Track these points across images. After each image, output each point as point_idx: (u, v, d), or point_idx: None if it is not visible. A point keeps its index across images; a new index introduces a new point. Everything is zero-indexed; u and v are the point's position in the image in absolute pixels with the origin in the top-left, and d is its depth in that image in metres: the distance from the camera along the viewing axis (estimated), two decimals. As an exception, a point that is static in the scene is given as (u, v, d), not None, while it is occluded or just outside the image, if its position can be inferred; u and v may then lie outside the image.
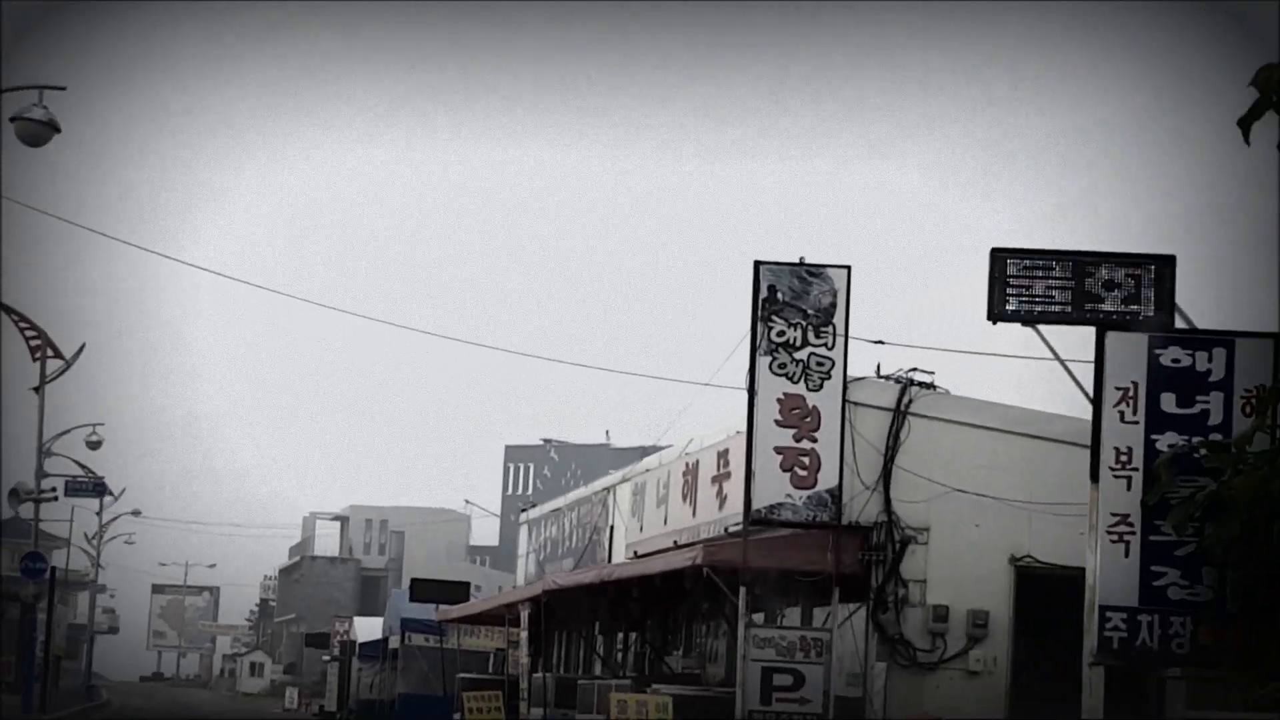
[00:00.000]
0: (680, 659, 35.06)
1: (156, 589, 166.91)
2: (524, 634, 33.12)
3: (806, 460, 25.00)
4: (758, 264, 25.15)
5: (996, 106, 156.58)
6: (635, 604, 33.39)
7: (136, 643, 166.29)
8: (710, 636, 33.67)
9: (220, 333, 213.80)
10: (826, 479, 24.98)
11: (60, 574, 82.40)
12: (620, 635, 38.96)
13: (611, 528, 38.59)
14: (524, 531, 50.44)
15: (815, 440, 24.99)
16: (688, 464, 31.97)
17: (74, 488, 43.85)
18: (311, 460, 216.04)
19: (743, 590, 25.31)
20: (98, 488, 43.47)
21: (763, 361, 25.02)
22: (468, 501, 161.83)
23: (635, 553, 34.70)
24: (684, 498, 32.03)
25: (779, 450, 25.05)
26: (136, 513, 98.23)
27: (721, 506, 29.43)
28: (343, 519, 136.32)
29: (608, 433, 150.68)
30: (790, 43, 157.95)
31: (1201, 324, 20.91)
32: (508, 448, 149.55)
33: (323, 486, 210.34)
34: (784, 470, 25.02)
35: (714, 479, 30.18)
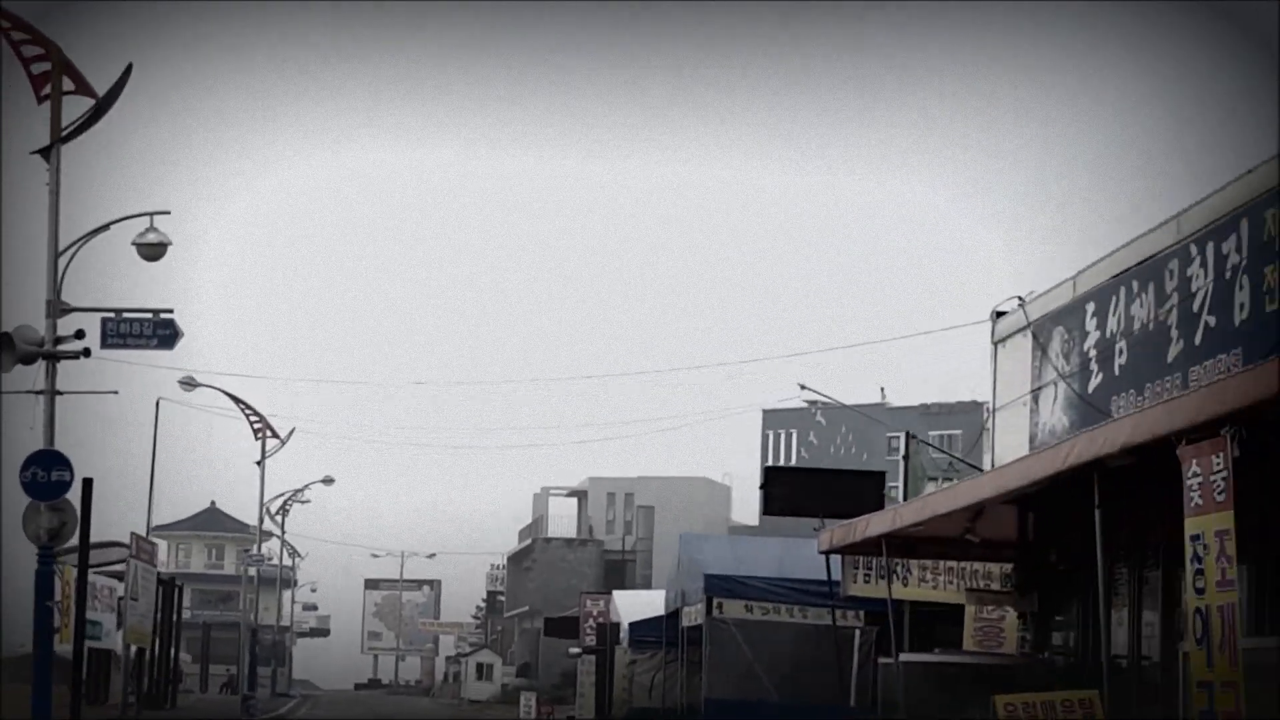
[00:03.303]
0: None
1: (370, 584, 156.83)
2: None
3: None
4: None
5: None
6: None
7: (351, 646, 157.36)
8: None
9: (435, 293, 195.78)
10: None
11: (253, 559, 67.03)
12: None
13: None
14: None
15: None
16: None
17: (114, 333, 24.33)
18: (543, 428, 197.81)
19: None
20: (160, 330, 23.66)
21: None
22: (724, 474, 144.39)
23: None
24: None
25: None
26: (329, 480, 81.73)
27: None
28: (580, 494, 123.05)
29: (883, 390, 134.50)
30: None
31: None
32: (765, 412, 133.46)
33: (556, 457, 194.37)
34: None
35: None
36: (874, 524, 20.45)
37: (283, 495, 76.43)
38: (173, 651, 53.43)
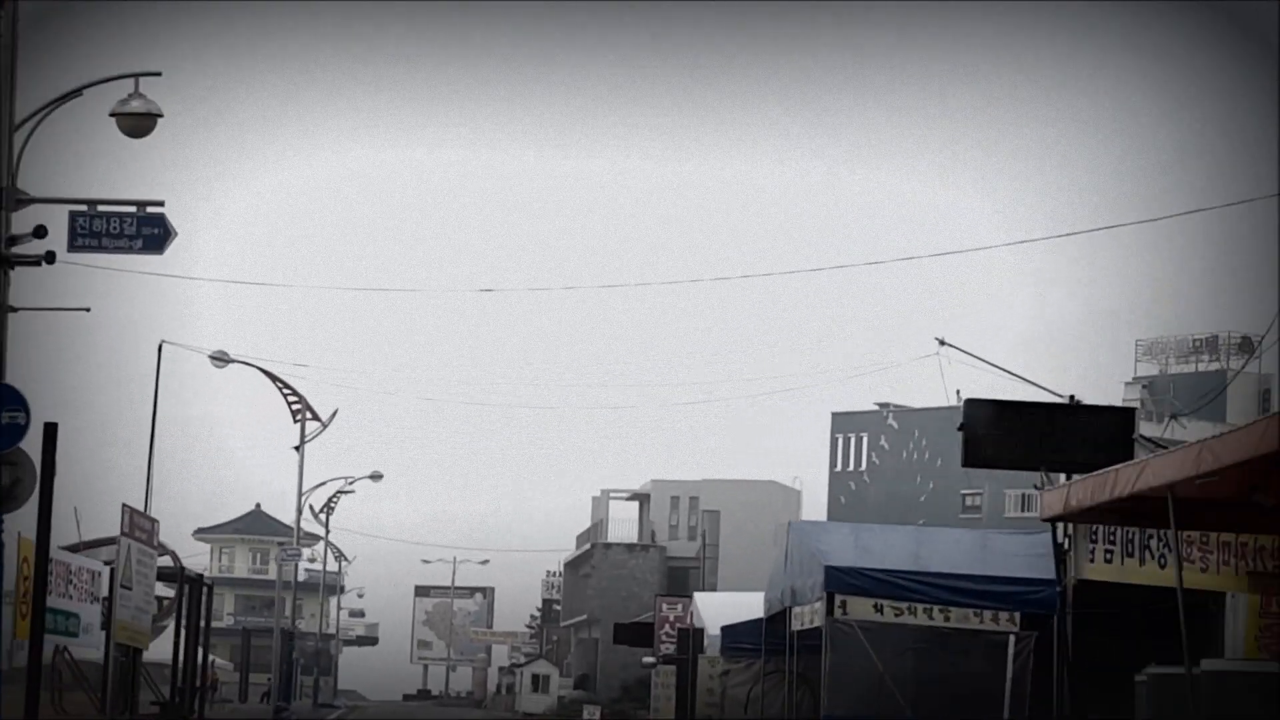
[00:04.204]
0: None
1: (420, 591, 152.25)
2: None
3: None
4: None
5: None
6: None
7: (400, 655, 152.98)
8: None
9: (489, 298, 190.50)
10: None
11: (290, 554, 62.48)
12: None
13: None
14: None
15: None
16: None
17: (85, 231, 18.14)
18: (602, 429, 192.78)
19: None
20: (146, 229, 17.34)
21: None
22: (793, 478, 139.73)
23: None
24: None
25: None
26: (377, 476, 76.46)
27: None
28: (642, 497, 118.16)
29: (958, 393, 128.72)
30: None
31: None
32: (834, 415, 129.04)
33: (616, 459, 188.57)
34: None
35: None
36: (1149, 474, 14.31)
37: (323, 484, 70.71)
38: (202, 657, 48.17)
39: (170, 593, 48.92)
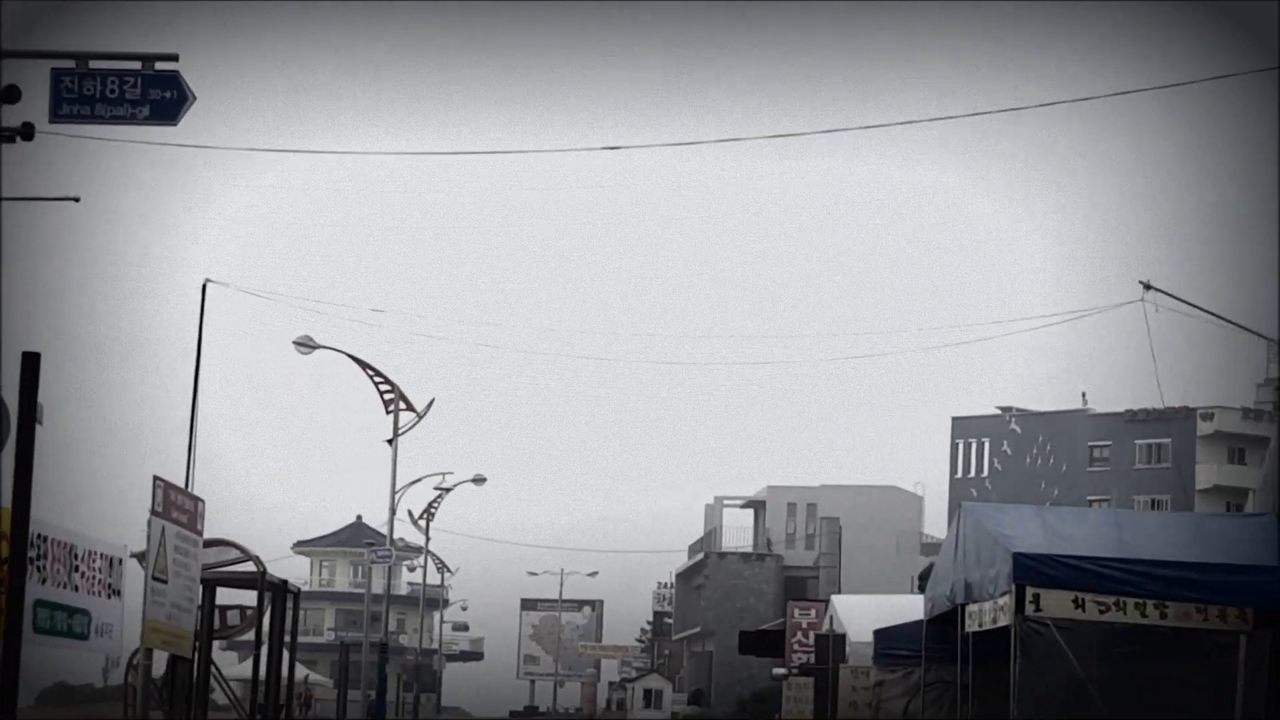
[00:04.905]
0: None
1: (526, 604, 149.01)
2: None
3: None
4: None
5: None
6: None
7: (506, 670, 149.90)
8: None
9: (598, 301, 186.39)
10: None
11: (381, 555, 58.78)
12: None
13: None
14: None
15: None
16: None
17: (73, 95, 13.08)
18: (716, 433, 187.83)
19: None
20: (154, 91, 12.26)
21: None
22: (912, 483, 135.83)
23: None
24: None
25: None
26: (480, 479, 72.36)
27: None
28: (757, 504, 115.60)
29: (1084, 395, 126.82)
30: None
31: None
32: (954, 420, 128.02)
33: (730, 465, 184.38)
34: None
35: None
36: None
37: (418, 480, 66.14)
38: (288, 672, 43.82)
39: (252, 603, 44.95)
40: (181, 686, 26.79)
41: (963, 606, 26.17)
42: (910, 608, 36.46)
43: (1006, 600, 23.26)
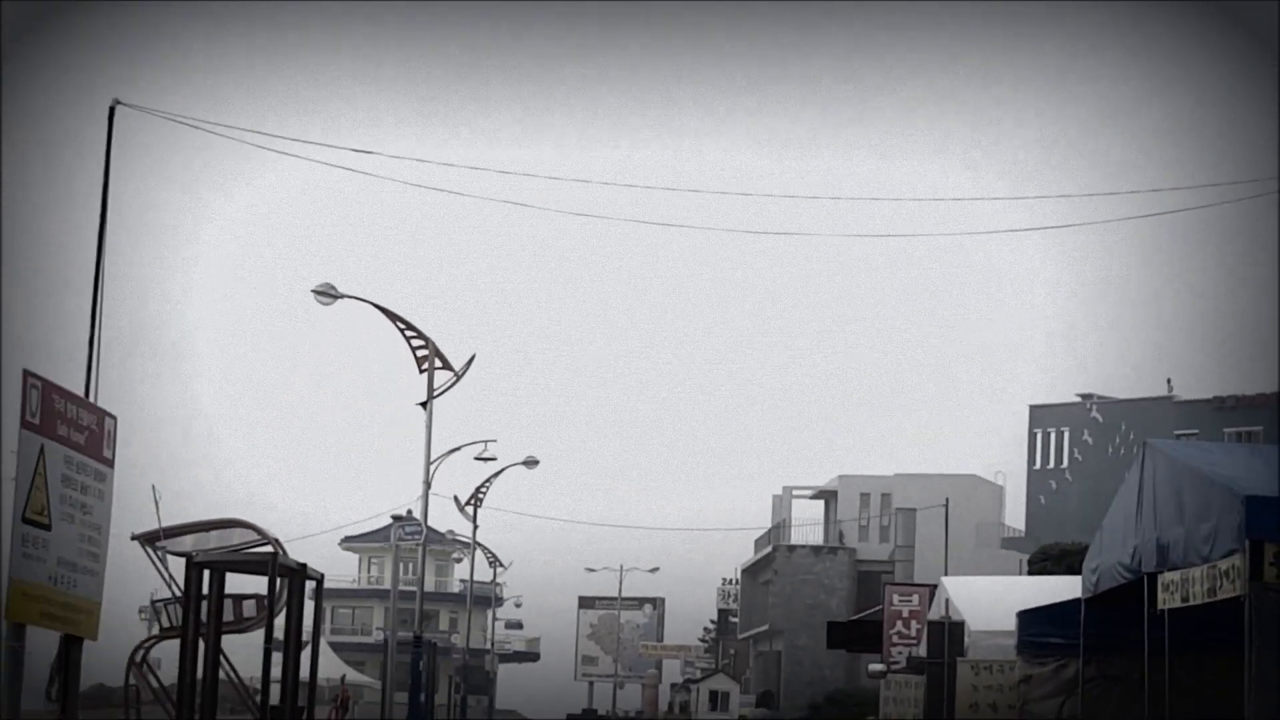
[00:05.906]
0: None
1: (584, 603, 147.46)
2: None
3: None
4: None
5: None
6: None
7: (564, 672, 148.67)
8: None
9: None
10: None
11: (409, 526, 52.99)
12: None
13: None
14: None
15: None
16: None
17: None
18: (784, 421, 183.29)
19: None
20: None
21: None
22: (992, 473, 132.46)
23: None
24: None
25: None
26: (532, 462, 67.83)
27: None
28: (828, 494, 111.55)
29: (1169, 382, 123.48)
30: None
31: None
32: (1032, 408, 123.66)
33: (798, 453, 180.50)
34: None
35: None
36: None
37: (457, 449, 60.54)
38: (310, 669, 38.69)
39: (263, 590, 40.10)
40: (74, 677, 19.86)
41: (1153, 576, 20.13)
42: (1041, 589, 30.66)
43: (1233, 562, 17.30)
